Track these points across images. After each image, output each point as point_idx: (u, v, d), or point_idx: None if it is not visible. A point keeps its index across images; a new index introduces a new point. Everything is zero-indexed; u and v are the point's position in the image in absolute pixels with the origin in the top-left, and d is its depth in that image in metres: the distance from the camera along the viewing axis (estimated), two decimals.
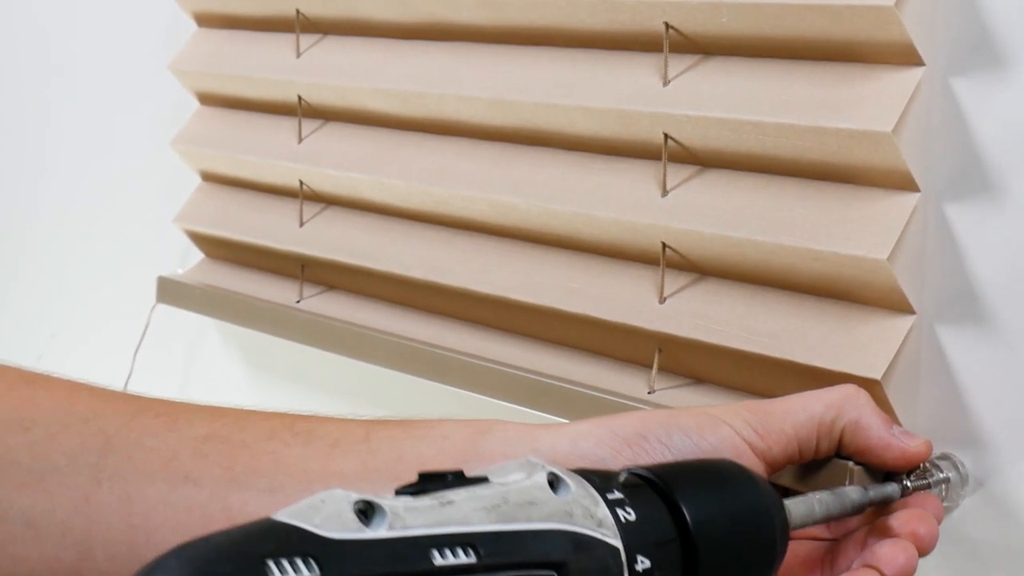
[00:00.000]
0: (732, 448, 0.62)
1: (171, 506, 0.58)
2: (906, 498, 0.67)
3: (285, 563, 0.44)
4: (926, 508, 0.66)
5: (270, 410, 0.63)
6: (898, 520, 0.64)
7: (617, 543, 0.53)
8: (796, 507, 0.63)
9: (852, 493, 0.65)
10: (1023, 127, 0.68)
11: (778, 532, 0.60)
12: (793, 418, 0.65)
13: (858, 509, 0.66)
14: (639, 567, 0.53)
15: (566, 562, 0.51)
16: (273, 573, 0.43)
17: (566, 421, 0.67)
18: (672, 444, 0.61)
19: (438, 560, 0.47)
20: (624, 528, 0.54)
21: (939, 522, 0.65)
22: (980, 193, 0.70)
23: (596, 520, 0.53)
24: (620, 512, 0.54)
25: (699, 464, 0.61)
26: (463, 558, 0.48)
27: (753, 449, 0.63)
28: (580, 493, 0.53)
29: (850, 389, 0.66)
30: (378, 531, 0.46)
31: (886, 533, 0.64)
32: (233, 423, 0.62)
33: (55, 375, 0.64)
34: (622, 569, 0.53)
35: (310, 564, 0.44)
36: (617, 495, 0.55)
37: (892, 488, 0.67)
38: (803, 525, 0.63)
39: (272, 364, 1.16)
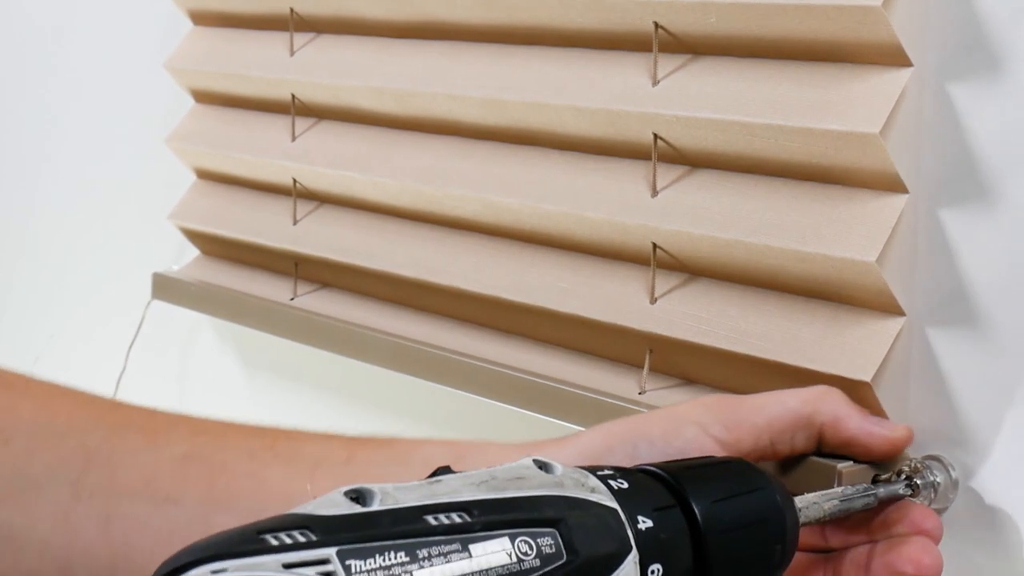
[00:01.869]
0: (699, 449, 0.62)
1: (151, 526, 0.58)
2: (909, 514, 0.66)
3: (282, 534, 0.45)
4: (927, 530, 0.65)
5: (251, 425, 0.63)
6: (903, 555, 0.64)
7: (614, 504, 0.53)
8: (805, 503, 0.62)
9: (861, 490, 0.66)
10: (1016, 128, 0.68)
11: (788, 518, 0.59)
12: (767, 412, 0.65)
13: (867, 507, 0.66)
14: (641, 526, 0.53)
15: (564, 518, 0.51)
16: (269, 542, 0.45)
17: (562, 431, 0.67)
18: (639, 455, 0.61)
19: (433, 522, 0.48)
20: (618, 494, 0.53)
21: (938, 540, 0.65)
22: (972, 195, 0.70)
23: (588, 488, 0.53)
24: (612, 482, 0.54)
25: (701, 459, 0.61)
26: (457, 521, 0.49)
27: (721, 445, 0.63)
28: (568, 471, 0.54)
29: (823, 388, 0.67)
30: (370, 507, 0.48)
31: (892, 568, 0.64)
32: (214, 441, 0.61)
33: (34, 377, 0.63)
34: (623, 527, 0.52)
35: (306, 533, 0.46)
36: (607, 471, 0.55)
37: (900, 486, 0.67)
38: (816, 521, 0.63)
39: (266, 361, 1.16)
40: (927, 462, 0.71)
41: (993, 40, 0.68)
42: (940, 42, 0.70)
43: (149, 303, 1.16)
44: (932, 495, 0.70)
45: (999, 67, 0.68)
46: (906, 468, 0.71)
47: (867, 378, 0.69)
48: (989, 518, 0.70)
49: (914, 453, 0.72)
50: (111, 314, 1.29)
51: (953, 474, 0.71)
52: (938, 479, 0.71)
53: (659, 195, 0.79)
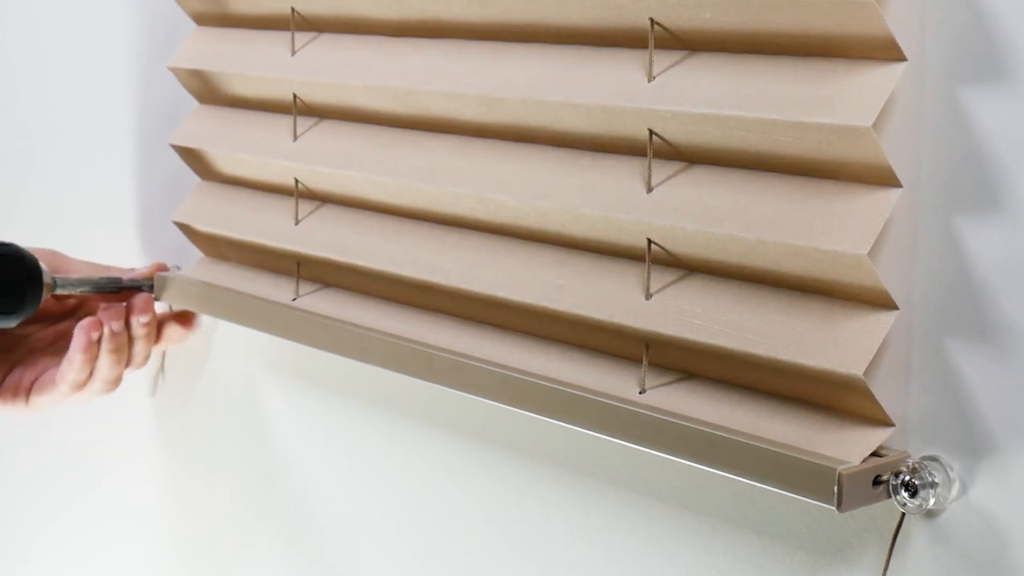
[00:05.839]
0: None
1: None
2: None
3: None
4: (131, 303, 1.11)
5: None
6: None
7: None
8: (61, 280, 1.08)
9: (108, 280, 1.12)
10: (1018, 123, 0.68)
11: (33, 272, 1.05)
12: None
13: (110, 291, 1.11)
14: None
15: None
16: None
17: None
18: None
19: None
20: None
21: (141, 312, 1.11)
22: (974, 190, 0.69)
23: None
24: None
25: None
26: None
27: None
28: None
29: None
30: None
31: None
32: None
33: None
34: None
35: None
36: None
37: (146, 285, 1.13)
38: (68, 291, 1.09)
39: (268, 361, 1.16)
40: (925, 463, 0.71)
41: (994, 35, 0.68)
42: (940, 38, 0.69)
43: None
44: (930, 496, 0.70)
45: (1000, 63, 0.68)
46: (904, 468, 0.71)
47: (859, 372, 0.69)
48: (988, 517, 0.70)
49: (913, 453, 0.72)
50: None
51: (951, 475, 0.71)
52: (936, 480, 0.71)
53: (654, 191, 0.79)
